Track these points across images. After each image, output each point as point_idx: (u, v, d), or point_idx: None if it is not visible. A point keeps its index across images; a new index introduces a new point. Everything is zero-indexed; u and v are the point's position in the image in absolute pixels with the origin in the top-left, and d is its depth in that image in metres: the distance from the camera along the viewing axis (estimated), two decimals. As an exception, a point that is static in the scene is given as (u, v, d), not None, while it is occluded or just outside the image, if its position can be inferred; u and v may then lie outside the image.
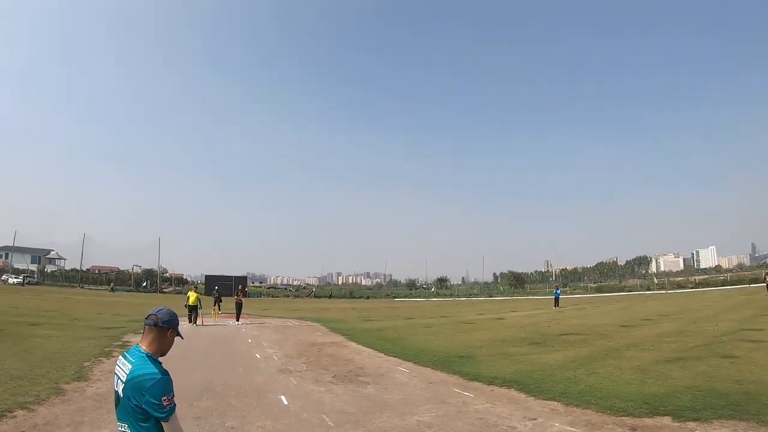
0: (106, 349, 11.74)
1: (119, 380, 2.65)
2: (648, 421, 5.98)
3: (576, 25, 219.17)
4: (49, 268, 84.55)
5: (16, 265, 79.24)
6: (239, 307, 22.95)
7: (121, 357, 2.76)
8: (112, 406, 6.13)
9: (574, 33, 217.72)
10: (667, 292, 50.38)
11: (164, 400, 2.53)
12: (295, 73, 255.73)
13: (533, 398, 7.60)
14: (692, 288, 58.50)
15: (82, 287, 68.91)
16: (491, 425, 6.26)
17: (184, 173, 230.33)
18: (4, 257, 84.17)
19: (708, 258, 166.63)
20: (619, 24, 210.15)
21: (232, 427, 6.15)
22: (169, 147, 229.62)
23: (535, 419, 6.44)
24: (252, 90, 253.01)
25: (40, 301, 31.47)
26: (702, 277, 79.34)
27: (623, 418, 6.18)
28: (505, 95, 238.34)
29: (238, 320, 22.08)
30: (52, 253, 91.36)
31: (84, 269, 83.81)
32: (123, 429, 2.65)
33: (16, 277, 65.18)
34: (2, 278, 64.49)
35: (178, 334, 2.86)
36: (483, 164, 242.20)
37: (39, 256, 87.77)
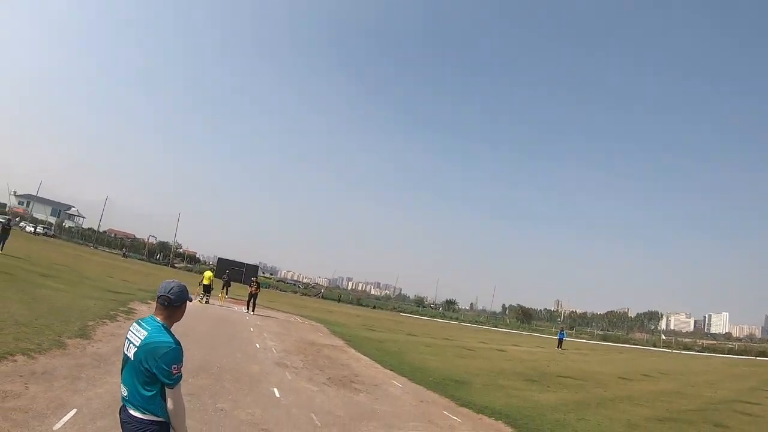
0: (111, 312, 11.93)
1: (131, 344, 2.77)
2: None
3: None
4: (68, 224, 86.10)
5: (35, 215, 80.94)
6: (253, 297, 22.56)
7: (135, 324, 2.89)
8: (111, 367, 6.27)
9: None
10: (672, 351, 49.18)
11: (174, 368, 2.68)
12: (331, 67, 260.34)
13: None
14: (698, 351, 57.05)
15: (96, 248, 70.06)
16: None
17: (216, 155, 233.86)
18: (25, 205, 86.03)
19: (720, 323, 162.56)
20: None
21: (222, 409, 6.23)
22: (207, 129, 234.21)
23: None
24: (291, 82, 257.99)
25: (53, 253, 32.17)
26: (710, 341, 77.32)
27: None
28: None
29: (252, 310, 21.81)
30: (72, 209, 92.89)
31: (101, 230, 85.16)
32: (124, 392, 2.77)
33: (33, 226, 66.66)
34: (20, 225, 65.91)
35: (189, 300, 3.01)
36: (515, 192, 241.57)
37: (59, 210, 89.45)
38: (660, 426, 8.87)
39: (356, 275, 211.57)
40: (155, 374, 2.66)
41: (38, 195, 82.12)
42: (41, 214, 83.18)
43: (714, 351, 59.35)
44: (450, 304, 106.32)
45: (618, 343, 60.44)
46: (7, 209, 77.70)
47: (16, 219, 64.87)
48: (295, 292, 78.07)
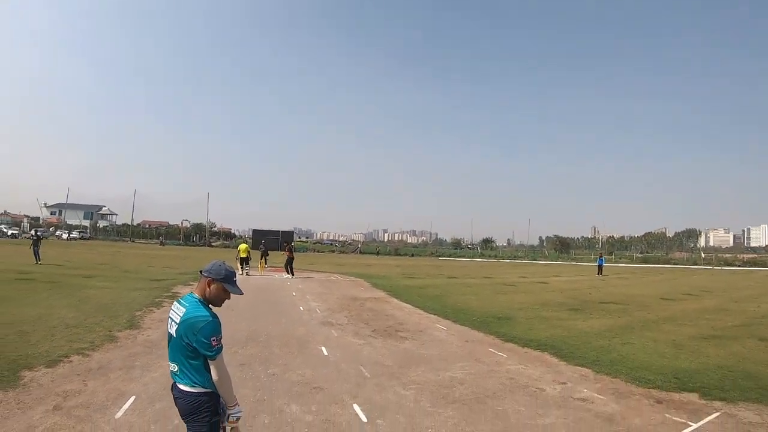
0: (157, 300, 12.35)
1: (173, 322, 2.90)
2: (675, 395, 5.84)
3: None
4: (101, 224, 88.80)
5: (69, 221, 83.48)
6: (290, 262, 23.31)
7: (175, 302, 3.01)
8: (163, 351, 6.46)
9: None
10: (713, 268, 48.16)
11: (213, 340, 2.78)
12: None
13: (565, 363, 7.55)
14: (740, 266, 55.74)
15: (132, 241, 72.27)
16: (521, 386, 6.26)
17: (235, 133, 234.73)
18: (57, 214, 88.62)
19: (759, 236, 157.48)
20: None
21: (274, 374, 6.40)
22: (218, 108, 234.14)
23: (564, 383, 6.40)
24: (306, 51, 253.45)
25: (92, 254, 33.38)
26: (751, 255, 75.31)
27: (651, 390, 6.08)
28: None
29: (292, 274, 22.54)
30: (104, 209, 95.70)
31: (135, 224, 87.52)
32: (173, 368, 2.91)
33: (69, 233, 68.79)
34: (57, 234, 68.33)
35: (226, 288, 2.97)
36: (537, 123, 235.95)
37: (91, 212, 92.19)
38: (705, 344, 8.77)
39: (391, 226, 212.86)
40: (196, 348, 2.77)
41: (68, 202, 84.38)
42: (74, 219, 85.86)
43: (755, 264, 58.00)
44: (487, 242, 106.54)
45: (658, 264, 59.69)
46: (41, 222, 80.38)
47: (49, 229, 67.18)
48: (333, 251, 79.26)
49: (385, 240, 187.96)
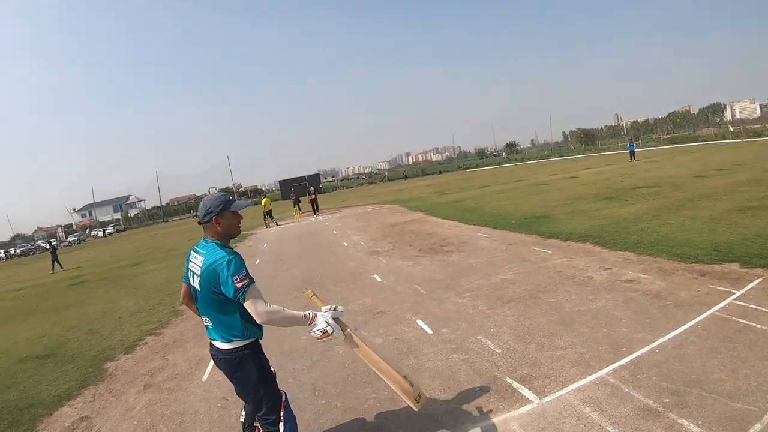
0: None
1: (194, 275, 2.69)
2: (716, 267, 5.92)
3: None
4: (132, 212, 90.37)
5: (101, 218, 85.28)
6: (314, 203, 24.38)
7: (191, 252, 2.79)
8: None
9: None
10: (742, 141, 45.83)
11: (236, 279, 2.49)
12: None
13: (608, 250, 7.70)
14: None
15: (166, 221, 73.55)
16: (569, 277, 6.50)
17: (243, 86, 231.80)
18: (88, 215, 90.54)
19: None
20: None
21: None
22: (227, 69, 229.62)
23: (609, 269, 6.59)
24: None
25: (132, 243, 34.26)
26: None
27: (693, 264, 6.16)
28: None
29: (317, 213, 23.45)
30: (130, 198, 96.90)
31: (164, 204, 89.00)
32: (206, 322, 2.76)
33: (104, 230, 70.49)
34: (93, 234, 69.99)
35: (234, 212, 2.77)
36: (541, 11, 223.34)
37: (119, 204, 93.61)
38: (741, 216, 8.64)
39: (414, 148, 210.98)
40: (225, 295, 2.54)
41: (95, 200, 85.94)
42: (105, 215, 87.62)
43: (786, 132, 54.66)
44: (511, 147, 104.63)
45: (686, 143, 57.22)
46: (74, 227, 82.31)
47: (86, 231, 68.36)
48: (361, 185, 79.49)
49: (410, 162, 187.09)
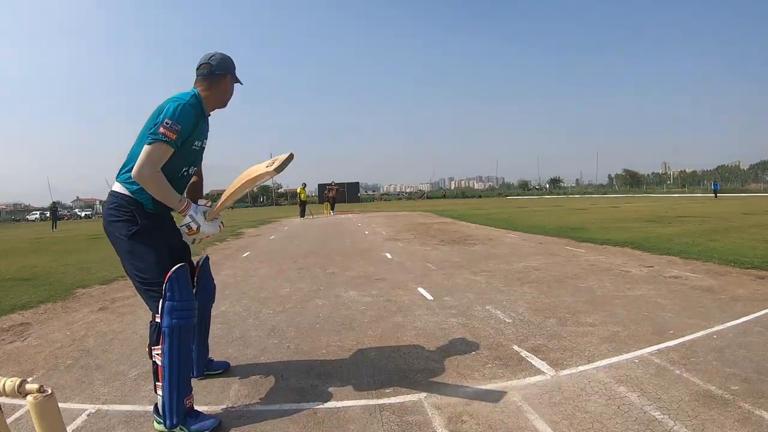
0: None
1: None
2: None
3: None
4: None
5: None
6: (332, 201, 23.77)
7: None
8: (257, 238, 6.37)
9: None
10: None
11: (166, 121, 2.04)
12: None
13: (648, 253, 6.68)
14: None
15: (205, 206, 75.08)
16: (604, 269, 5.55)
17: (311, 95, 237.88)
18: None
19: None
20: None
21: (333, 272, 6.06)
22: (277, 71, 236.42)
23: (651, 266, 5.59)
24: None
25: None
26: None
27: (749, 270, 5.13)
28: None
29: (333, 212, 23.03)
30: None
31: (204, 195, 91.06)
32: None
33: None
34: None
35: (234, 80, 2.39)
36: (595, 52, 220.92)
37: None
38: None
39: (457, 174, 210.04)
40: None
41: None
42: None
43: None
44: (555, 182, 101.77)
45: (734, 194, 54.51)
46: None
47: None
48: (400, 199, 78.88)
49: (452, 187, 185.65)
